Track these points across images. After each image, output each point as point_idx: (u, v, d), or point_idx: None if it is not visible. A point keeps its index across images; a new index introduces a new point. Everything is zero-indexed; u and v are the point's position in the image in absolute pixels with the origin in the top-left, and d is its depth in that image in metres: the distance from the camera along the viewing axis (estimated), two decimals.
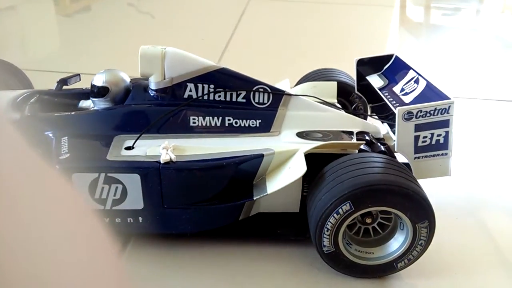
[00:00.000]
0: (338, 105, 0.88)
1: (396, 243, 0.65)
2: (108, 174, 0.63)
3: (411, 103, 0.75)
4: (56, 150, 0.66)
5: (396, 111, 0.68)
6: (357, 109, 0.95)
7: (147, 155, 0.65)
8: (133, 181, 0.64)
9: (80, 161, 0.64)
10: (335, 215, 0.60)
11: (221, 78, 0.75)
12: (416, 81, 0.78)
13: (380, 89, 0.84)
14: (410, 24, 2.24)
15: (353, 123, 0.79)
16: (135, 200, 0.65)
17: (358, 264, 0.64)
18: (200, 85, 0.74)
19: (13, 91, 0.83)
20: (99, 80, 0.76)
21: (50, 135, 0.71)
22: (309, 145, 0.69)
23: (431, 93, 0.73)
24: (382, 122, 0.83)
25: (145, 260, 0.69)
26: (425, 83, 0.75)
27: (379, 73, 0.90)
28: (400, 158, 0.74)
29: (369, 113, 0.92)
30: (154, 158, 0.64)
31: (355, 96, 0.95)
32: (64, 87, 0.85)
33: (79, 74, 0.86)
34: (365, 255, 0.65)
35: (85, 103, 0.82)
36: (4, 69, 0.96)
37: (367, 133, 0.78)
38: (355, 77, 0.91)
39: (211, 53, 1.56)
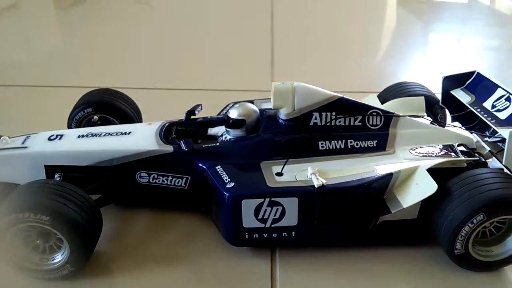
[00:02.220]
0: (429, 119, 0.99)
1: None
2: (272, 199, 0.75)
3: (507, 120, 0.86)
4: (219, 179, 0.78)
5: (507, 132, 0.79)
6: (441, 120, 1.06)
7: (300, 180, 0.77)
8: (291, 203, 0.75)
9: (248, 189, 0.75)
10: (469, 224, 0.72)
11: (340, 105, 0.86)
12: (508, 99, 0.89)
13: (470, 105, 0.95)
14: None
15: (452, 137, 0.91)
16: (291, 218, 0.77)
17: (482, 261, 0.77)
18: (323, 113, 0.85)
19: (145, 125, 0.94)
20: (234, 113, 0.87)
21: (201, 165, 0.83)
22: (427, 162, 0.81)
23: None
24: (471, 132, 0.95)
25: (294, 264, 0.81)
26: None
27: (462, 87, 1.02)
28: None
29: (457, 124, 1.01)
30: (307, 183, 0.76)
31: (437, 107, 1.06)
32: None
33: (201, 104, 0.97)
34: (486, 253, 0.77)
35: (213, 131, 0.94)
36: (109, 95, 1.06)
37: (464, 145, 0.90)
38: (440, 91, 1.02)
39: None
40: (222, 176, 0.79)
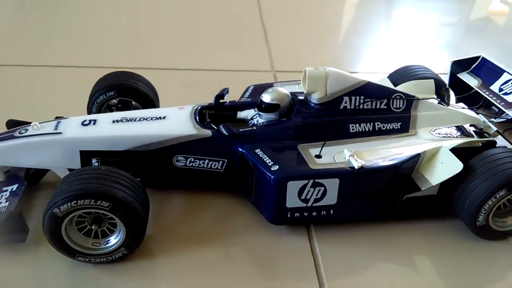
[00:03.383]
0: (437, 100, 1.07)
1: None
2: (316, 180, 0.79)
3: None
4: (261, 162, 0.81)
5: None
6: (447, 101, 1.14)
7: (339, 162, 0.82)
8: (332, 184, 0.80)
9: (293, 171, 0.80)
10: (493, 199, 0.80)
11: (367, 90, 0.91)
12: None
13: (477, 88, 1.03)
14: None
15: (464, 118, 0.99)
16: (331, 197, 0.82)
17: (498, 231, 0.86)
18: (353, 97, 0.90)
19: (177, 109, 0.94)
20: (268, 98, 0.90)
21: (240, 148, 0.86)
22: (448, 142, 0.88)
23: None
24: (477, 113, 1.03)
25: (329, 238, 0.87)
26: None
27: (468, 71, 1.09)
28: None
29: (464, 106, 1.09)
30: (346, 164, 0.81)
31: (443, 89, 1.14)
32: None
33: (228, 88, 0.99)
34: (502, 223, 0.86)
35: (242, 114, 0.96)
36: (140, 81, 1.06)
37: (474, 125, 0.98)
38: (448, 74, 1.10)
39: None
40: (265, 159, 0.82)
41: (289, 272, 0.81)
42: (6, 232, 0.77)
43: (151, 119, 0.89)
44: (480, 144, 0.90)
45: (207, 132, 0.87)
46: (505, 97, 0.98)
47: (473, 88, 1.07)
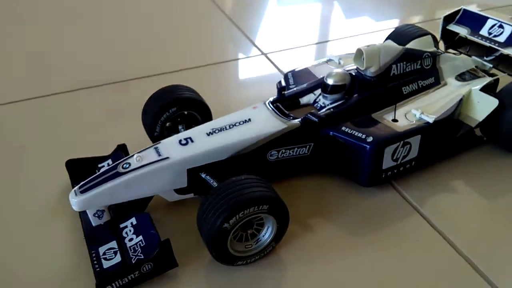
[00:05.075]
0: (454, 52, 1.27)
1: None
2: (405, 140, 0.94)
3: (507, 42, 1.17)
4: (354, 137, 0.93)
5: None
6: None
7: (417, 120, 0.97)
8: (416, 140, 0.96)
9: (386, 138, 0.93)
10: None
11: (407, 55, 1.07)
12: (500, 26, 1.20)
13: (469, 35, 1.24)
14: None
15: (471, 62, 1.20)
16: (414, 151, 0.97)
17: None
18: (398, 64, 1.05)
19: (251, 109, 1.00)
20: (332, 80, 1.00)
21: (328, 131, 0.96)
22: (475, 84, 1.07)
23: None
24: (470, 56, 1.25)
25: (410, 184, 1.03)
26: (510, 27, 1.18)
27: (453, 22, 1.30)
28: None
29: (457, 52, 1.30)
30: (422, 121, 0.96)
31: (437, 42, 1.34)
32: None
33: (280, 80, 1.07)
34: None
35: (304, 100, 1.06)
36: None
37: (477, 67, 1.20)
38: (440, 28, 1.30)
39: None
40: (356, 134, 0.94)
41: (404, 228, 0.93)
42: (160, 264, 0.80)
43: (239, 123, 0.95)
44: (493, 81, 1.13)
45: (296, 123, 0.95)
46: (496, 39, 1.20)
47: (460, 37, 1.29)
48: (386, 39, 1.34)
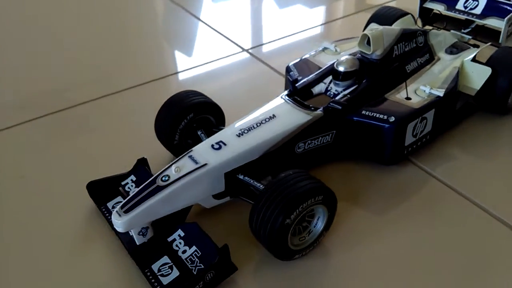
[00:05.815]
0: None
1: None
2: (422, 116, 0.99)
3: (483, 13, 1.26)
4: (376, 118, 0.97)
5: (504, 20, 1.19)
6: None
7: (428, 96, 1.02)
8: (430, 114, 1.01)
9: (406, 116, 0.97)
10: None
11: (404, 35, 1.12)
12: (474, 0, 1.29)
13: (447, 11, 1.32)
14: None
15: (454, 36, 1.28)
16: (429, 125, 1.03)
17: None
18: (399, 45, 1.10)
19: (272, 106, 1.00)
20: (343, 67, 1.03)
21: (352, 117, 1.00)
22: (466, 56, 1.15)
23: (495, 3, 1.25)
24: (449, 30, 1.33)
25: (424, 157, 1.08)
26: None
27: (429, 1, 1.37)
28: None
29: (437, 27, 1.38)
30: (432, 95, 1.02)
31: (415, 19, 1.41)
32: None
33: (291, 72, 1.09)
34: None
35: (316, 90, 1.09)
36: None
37: (459, 40, 1.28)
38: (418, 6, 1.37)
39: None
40: (377, 116, 0.97)
41: (432, 199, 0.98)
42: (220, 270, 0.79)
43: (265, 121, 0.95)
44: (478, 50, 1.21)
45: (319, 113, 0.97)
46: (472, 11, 1.29)
47: (435, 13, 1.37)
48: (369, 22, 1.40)
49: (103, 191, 0.97)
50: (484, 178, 1.04)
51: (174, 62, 1.59)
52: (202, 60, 1.56)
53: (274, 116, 0.97)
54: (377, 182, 1.03)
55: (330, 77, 1.08)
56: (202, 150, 0.89)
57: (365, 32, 1.05)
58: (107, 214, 0.93)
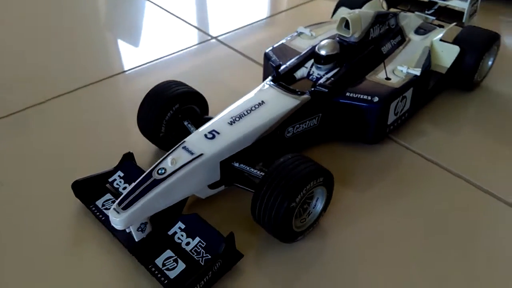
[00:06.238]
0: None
1: None
2: (403, 95, 1.02)
3: None
4: (360, 99, 1.00)
5: (467, 1, 1.25)
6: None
7: (405, 76, 1.06)
8: (409, 93, 1.06)
9: (389, 95, 1.01)
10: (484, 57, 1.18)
11: (378, 18, 1.15)
12: None
13: None
14: None
15: (420, 18, 1.33)
16: (407, 103, 1.07)
17: (479, 81, 1.26)
18: (374, 27, 1.13)
19: (258, 91, 1.01)
20: (324, 51, 1.05)
21: (337, 99, 1.02)
22: (434, 36, 1.20)
23: None
24: (413, 12, 1.39)
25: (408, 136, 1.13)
26: None
27: None
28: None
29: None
30: (410, 75, 1.06)
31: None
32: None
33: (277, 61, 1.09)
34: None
35: (299, 74, 1.10)
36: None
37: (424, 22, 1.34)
38: None
39: None
40: (361, 97, 1.00)
41: (410, 171, 1.03)
42: (228, 258, 0.79)
43: (255, 107, 0.95)
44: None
45: (306, 97, 0.99)
46: None
47: None
48: (337, 6, 1.42)
49: (89, 189, 0.93)
50: (457, 150, 1.11)
51: (134, 56, 1.54)
52: (168, 50, 1.52)
53: (263, 102, 0.97)
54: (362, 160, 1.07)
55: (311, 61, 1.09)
56: (196, 141, 0.88)
57: (344, 15, 1.07)
58: (97, 213, 0.90)
